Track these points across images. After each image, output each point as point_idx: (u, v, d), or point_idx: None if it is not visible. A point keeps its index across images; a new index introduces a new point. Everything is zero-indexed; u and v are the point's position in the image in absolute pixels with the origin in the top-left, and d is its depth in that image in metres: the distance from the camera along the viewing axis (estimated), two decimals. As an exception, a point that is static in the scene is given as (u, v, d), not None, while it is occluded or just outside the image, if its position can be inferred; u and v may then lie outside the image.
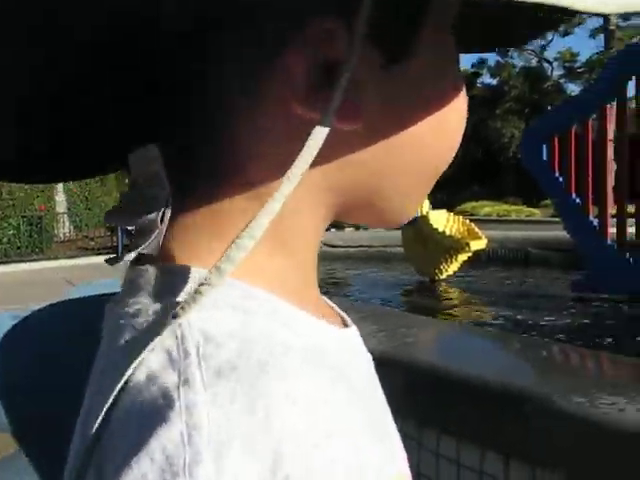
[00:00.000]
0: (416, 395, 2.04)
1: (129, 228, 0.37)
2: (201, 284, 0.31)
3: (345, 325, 0.45)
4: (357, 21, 0.32)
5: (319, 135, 0.33)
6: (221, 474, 0.26)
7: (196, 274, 0.34)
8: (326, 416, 0.31)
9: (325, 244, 8.57)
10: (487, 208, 20.19)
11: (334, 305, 0.47)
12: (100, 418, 0.31)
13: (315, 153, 0.33)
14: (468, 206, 20.48)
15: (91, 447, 0.31)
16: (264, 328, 0.34)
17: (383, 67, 0.37)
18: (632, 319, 4.91)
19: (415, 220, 6.41)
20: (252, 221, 0.32)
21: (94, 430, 0.31)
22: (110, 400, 0.31)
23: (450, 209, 8.87)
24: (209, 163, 0.38)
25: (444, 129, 0.41)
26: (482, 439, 1.96)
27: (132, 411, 0.30)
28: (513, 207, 20.43)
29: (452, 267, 6.52)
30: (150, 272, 0.36)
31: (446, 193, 21.30)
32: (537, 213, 18.57)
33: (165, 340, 0.31)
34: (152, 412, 0.29)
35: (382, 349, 2.18)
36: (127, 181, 0.41)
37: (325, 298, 0.46)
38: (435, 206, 7.18)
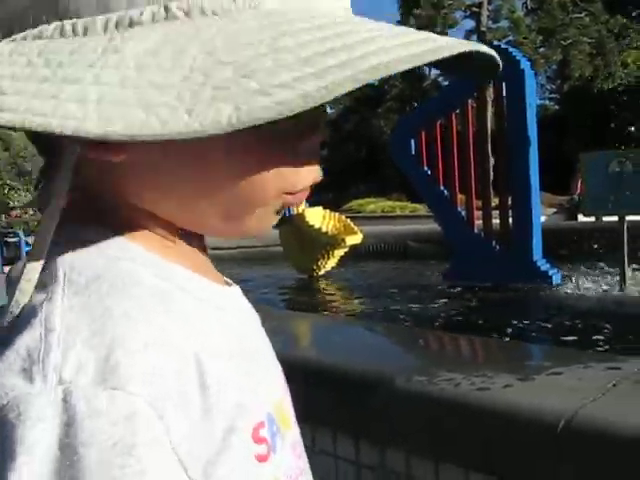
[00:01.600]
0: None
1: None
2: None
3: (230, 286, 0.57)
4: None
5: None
6: (65, 359, 0.39)
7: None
8: (156, 331, 0.42)
9: (210, 247, 8.49)
10: (372, 205, 20.59)
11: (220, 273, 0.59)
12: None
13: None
14: (354, 204, 20.82)
15: None
16: (125, 267, 0.45)
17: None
18: (498, 304, 5.14)
19: (291, 218, 6.47)
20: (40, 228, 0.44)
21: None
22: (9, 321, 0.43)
23: (336, 208, 8.99)
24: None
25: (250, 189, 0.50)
26: (334, 423, 2.02)
27: (17, 324, 0.42)
28: (397, 203, 20.90)
29: (330, 263, 6.63)
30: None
31: (332, 192, 21.58)
32: (420, 208, 19.08)
33: (43, 275, 0.44)
34: (25, 322, 0.41)
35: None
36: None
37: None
38: (323, 205, 7.25)
